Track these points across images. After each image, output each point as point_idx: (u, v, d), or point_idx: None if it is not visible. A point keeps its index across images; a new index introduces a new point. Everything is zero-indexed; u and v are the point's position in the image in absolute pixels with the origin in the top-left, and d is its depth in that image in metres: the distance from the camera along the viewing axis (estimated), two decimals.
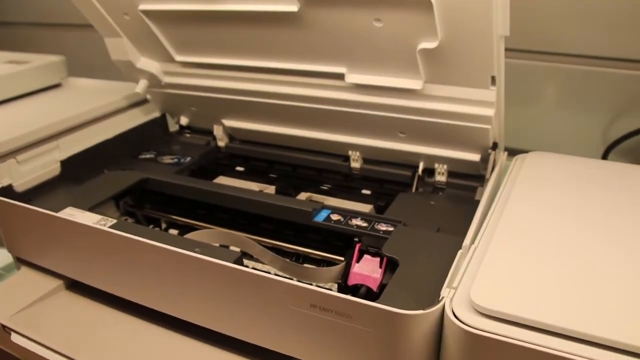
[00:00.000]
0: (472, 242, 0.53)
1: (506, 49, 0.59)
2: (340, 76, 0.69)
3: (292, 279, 0.50)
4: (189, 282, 0.55)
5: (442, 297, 0.45)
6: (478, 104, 0.63)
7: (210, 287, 0.54)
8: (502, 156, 0.71)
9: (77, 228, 0.62)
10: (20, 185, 0.74)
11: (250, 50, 0.72)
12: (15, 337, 0.61)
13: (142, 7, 0.72)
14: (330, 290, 0.49)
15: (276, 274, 0.61)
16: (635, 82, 0.86)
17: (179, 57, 0.79)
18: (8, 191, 0.72)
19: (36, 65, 1.02)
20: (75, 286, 0.68)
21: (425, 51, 0.60)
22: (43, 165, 0.78)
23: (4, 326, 0.62)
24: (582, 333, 0.39)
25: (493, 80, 0.60)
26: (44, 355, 0.58)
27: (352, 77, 0.68)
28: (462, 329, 0.42)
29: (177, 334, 0.60)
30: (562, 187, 0.61)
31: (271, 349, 0.53)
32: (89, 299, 0.67)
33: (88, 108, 0.87)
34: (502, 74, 0.60)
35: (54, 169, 0.79)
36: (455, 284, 0.47)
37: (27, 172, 0.76)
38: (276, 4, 0.63)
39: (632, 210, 0.55)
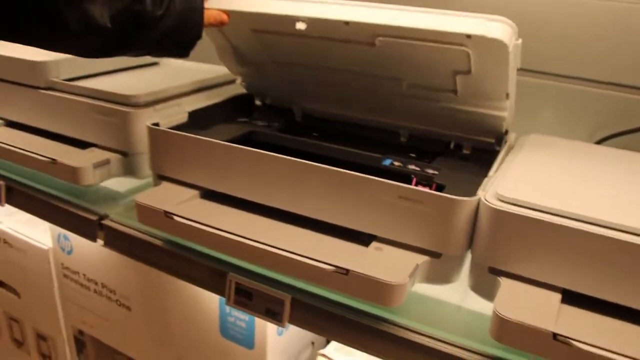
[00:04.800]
0: (495, 171, 0.82)
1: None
2: None
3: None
4: (302, 183, 0.81)
5: (479, 193, 0.74)
6: (498, 108, 0.91)
7: (320, 187, 0.80)
8: (511, 137, 1.00)
9: (213, 146, 0.88)
10: (161, 125, 1.00)
11: None
12: (177, 219, 0.85)
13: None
14: None
15: None
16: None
17: None
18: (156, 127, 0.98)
19: None
20: (207, 195, 0.93)
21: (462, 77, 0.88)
22: (174, 114, 1.02)
23: (166, 212, 0.86)
24: (582, 215, 0.66)
25: (507, 95, 0.88)
26: (202, 229, 0.83)
27: None
28: (490, 207, 0.70)
29: (288, 224, 0.86)
30: (567, 145, 0.92)
31: (360, 230, 0.80)
32: (218, 203, 0.91)
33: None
34: (513, 91, 0.88)
35: (182, 118, 1.02)
36: (487, 188, 0.75)
37: (163, 118, 1.00)
38: None
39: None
